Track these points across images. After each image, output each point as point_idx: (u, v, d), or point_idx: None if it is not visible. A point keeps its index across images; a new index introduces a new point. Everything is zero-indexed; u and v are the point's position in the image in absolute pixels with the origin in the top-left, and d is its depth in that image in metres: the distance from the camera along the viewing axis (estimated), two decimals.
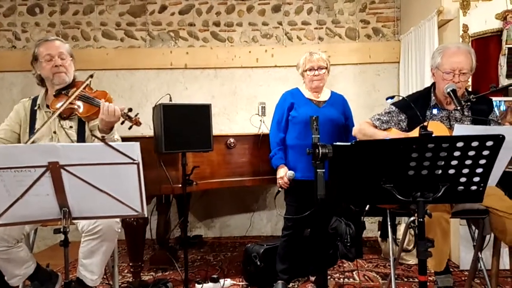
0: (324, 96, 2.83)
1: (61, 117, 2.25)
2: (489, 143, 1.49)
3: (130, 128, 2.21)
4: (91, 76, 2.29)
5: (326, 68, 2.77)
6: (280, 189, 2.79)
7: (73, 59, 2.35)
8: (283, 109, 2.80)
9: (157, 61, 4.46)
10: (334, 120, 2.72)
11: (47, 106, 2.29)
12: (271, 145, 2.84)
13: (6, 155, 1.42)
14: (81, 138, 2.27)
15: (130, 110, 2.16)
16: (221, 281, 2.92)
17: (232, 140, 3.11)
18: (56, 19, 4.52)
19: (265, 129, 3.48)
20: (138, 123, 2.20)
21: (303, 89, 2.85)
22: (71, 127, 2.27)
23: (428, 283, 1.65)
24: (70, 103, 2.16)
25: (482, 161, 1.53)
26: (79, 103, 2.20)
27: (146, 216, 1.59)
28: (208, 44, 4.53)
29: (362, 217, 3.47)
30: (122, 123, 2.18)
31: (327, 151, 1.64)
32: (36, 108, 2.30)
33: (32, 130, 2.23)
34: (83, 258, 2.05)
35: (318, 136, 1.79)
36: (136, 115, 2.19)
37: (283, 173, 2.71)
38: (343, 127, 2.81)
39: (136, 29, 4.54)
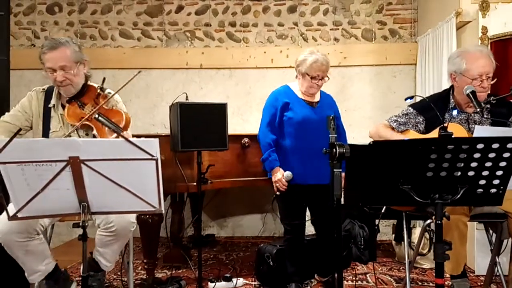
0: (316, 96, 2.76)
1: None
2: (510, 145, 1.47)
3: None
4: (104, 79, 2.21)
5: (327, 75, 2.68)
6: (278, 193, 2.69)
7: (84, 61, 2.24)
8: (275, 109, 2.69)
9: (173, 61, 4.49)
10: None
11: (62, 106, 2.26)
12: (263, 147, 2.71)
13: (28, 149, 1.44)
14: None
15: None
16: (234, 280, 2.92)
17: (246, 139, 3.11)
18: (75, 18, 4.59)
19: None
20: None
21: (295, 88, 2.75)
22: (87, 134, 2.23)
23: (444, 287, 1.63)
24: (87, 119, 2.10)
25: (503, 164, 1.52)
26: (98, 123, 2.12)
27: (163, 212, 1.60)
28: (223, 44, 4.55)
29: (377, 220, 3.45)
30: None
31: (344, 150, 1.63)
32: (50, 106, 2.26)
33: (47, 129, 2.23)
34: (99, 246, 2.12)
35: (335, 135, 1.78)
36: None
37: (281, 176, 2.62)
38: (337, 127, 2.72)
39: (153, 29, 4.58)
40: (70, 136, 2.15)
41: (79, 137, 2.22)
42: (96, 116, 2.11)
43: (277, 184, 2.66)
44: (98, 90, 2.20)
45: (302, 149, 2.62)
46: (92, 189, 1.53)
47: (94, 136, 2.19)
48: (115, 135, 2.07)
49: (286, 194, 2.69)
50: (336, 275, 1.73)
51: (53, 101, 2.28)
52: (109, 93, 2.29)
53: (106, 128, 2.11)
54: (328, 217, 2.73)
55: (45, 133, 2.24)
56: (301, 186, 2.65)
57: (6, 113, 2.28)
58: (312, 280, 3.00)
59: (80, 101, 2.19)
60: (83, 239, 1.59)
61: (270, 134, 2.69)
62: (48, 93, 2.29)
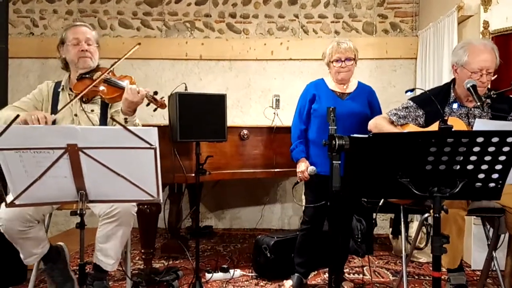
0: (350, 87, 2.67)
1: (83, 100, 2.29)
2: (510, 139, 1.46)
3: (155, 110, 2.24)
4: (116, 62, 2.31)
5: (354, 59, 2.60)
6: (299, 180, 2.69)
7: (99, 46, 2.41)
8: (305, 101, 2.68)
9: (173, 52, 4.47)
10: (356, 114, 2.58)
11: (70, 89, 2.33)
12: (292, 137, 2.72)
13: (26, 136, 1.43)
14: (103, 122, 2.31)
15: (155, 93, 2.17)
16: (231, 271, 2.93)
17: (245, 131, 3.10)
18: (74, 7, 4.55)
19: (279, 122, 3.47)
20: (163, 105, 2.21)
21: (328, 80, 2.70)
22: (92, 110, 2.31)
23: (440, 280, 1.63)
24: (94, 86, 2.19)
25: (502, 158, 1.51)
26: (103, 86, 2.23)
27: (161, 201, 1.60)
28: (223, 35, 4.52)
29: (374, 214, 3.45)
30: (148, 104, 2.20)
31: (343, 142, 1.62)
32: (59, 89, 2.34)
33: (54, 110, 2.28)
34: (100, 242, 2.07)
35: (335, 127, 1.77)
36: (161, 98, 2.21)
37: (304, 167, 2.59)
38: (367, 120, 2.58)
39: (153, 19, 4.55)
40: (77, 99, 2.22)
41: (84, 112, 2.27)
42: (106, 78, 2.24)
43: (300, 175, 2.64)
44: (111, 68, 2.31)
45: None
46: (90, 177, 1.52)
47: (101, 106, 2.31)
48: (125, 96, 2.12)
49: (310, 185, 2.68)
50: (334, 265, 1.75)
51: (62, 83, 2.37)
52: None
53: (117, 91, 2.20)
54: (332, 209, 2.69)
55: (54, 111, 2.28)
56: (322, 176, 2.55)
57: (17, 101, 2.36)
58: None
59: (90, 75, 2.30)
60: (81, 227, 1.59)
61: (299, 125, 2.70)
62: (57, 83, 2.40)
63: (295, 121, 2.74)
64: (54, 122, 2.24)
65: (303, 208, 2.80)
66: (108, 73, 2.26)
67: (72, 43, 2.30)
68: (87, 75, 2.29)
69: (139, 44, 2.29)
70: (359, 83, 2.72)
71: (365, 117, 2.62)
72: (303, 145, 2.67)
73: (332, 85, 2.68)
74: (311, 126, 2.68)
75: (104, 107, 2.33)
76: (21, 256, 2.08)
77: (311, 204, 2.67)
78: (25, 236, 2.00)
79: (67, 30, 2.35)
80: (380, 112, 2.72)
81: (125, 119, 2.14)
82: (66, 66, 2.39)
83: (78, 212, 1.57)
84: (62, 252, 2.30)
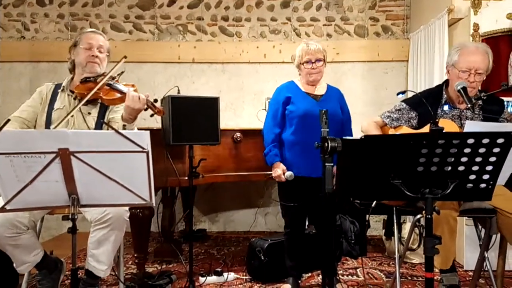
0: (321, 89, 2.71)
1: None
2: (500, 141, 1.48)
3: (152, 115, 2.25)
4: (122, 72, 2.35)
5: (324, 60, 2.64)
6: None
7: (109, 56, 2.46)
8: (278, 103, 2.68)
9: (165, 55, 4.46)
10: (332, 115, 2.52)
11: (71, 91, 2.34)
12: (265, 141, 2.72)
13: (17, 140, 1.42)
14: (99, 126, 2.30)
15: (155, 101, 2.20)
16: (225, 274, 2.92)
17: (238, 134, 3.10)
18: (65, 10, 4.53)
19: None
20: (160, 112, 2.22)
21: (299, 82, 2.73)
22: (89, 113, 2.31)
23: (433, 281, 1.64)
24: (98, 89, 2.19)
25: (492, 159, 1.53)
26: (108, 90, 2.23)
27: (154, 205, 1.59)
28: (216, 38, 4.52)
29: (367, 215, 3.47)
30: (146, 109, 2.20)
31: (336, 145, 1.63)
32: (59, 90, 2.36)
33: (50, 109, 2.29)
34: (92, 248, 2.05)
35: (327, 129, 1.78)
36: (160, 106, 2.23)
37: (280, 172, 2.59)
38: (340, 121, 2.68)
39: (145, 22, 4.54)
40: (75, 114, 2.23)
41: (81, 113, 2.27)
42: (110, 82, 2.24)
43: (277, 180, 2.65)
44: (114, 75, 2.32)
45: (303, 142, 2.58)
46: (82, 181, 1.51)
47: (100, 109, 2.33)
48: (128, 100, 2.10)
49: (285, 187, 2.68)
50: (327, 267, 1.75)
51: (63, 84, 2.38)
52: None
53: (117, 94, 2.19)
54: (322, 210, 2.72)
55: (49, 112, 2.30)
56: (299, 178, 2.59)
57: (17, 110, 2.36)
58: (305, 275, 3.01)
59: (94, 79, 2.31)
60: (73, 232, 1.57)
61: (273, 128, 2.68)
62: (58, 85, 2.41)
63: (268, 125, 2.73)
64: (49, 121, 2.25)
65: (282, 211, 2.81)
66: (112, 79, 2.27)
67: (85, 47, 2.34)
68: (91, 79, 2.30)
69: (125, 57, 2.27)
70: (328, 86, 2.77)
71: (339, 118, 2.68)
72: (277, 148, 2.66)
73: (304, 87, 2.71)
74: (287, 128, 2.67)
75: (103, 112, 2.33)
76: (14, 264, 2.07)
77: (289, 208, 2.68)
78: (14, 243, 1.98)
79: (82, 34, 2.40)
80: (348, 114, 2.78)
81: (124, 125, 2.12)
82: (72, 68, 2.41)
83: (70, 216, 1.56)
84: (60, 265, 2.30)
